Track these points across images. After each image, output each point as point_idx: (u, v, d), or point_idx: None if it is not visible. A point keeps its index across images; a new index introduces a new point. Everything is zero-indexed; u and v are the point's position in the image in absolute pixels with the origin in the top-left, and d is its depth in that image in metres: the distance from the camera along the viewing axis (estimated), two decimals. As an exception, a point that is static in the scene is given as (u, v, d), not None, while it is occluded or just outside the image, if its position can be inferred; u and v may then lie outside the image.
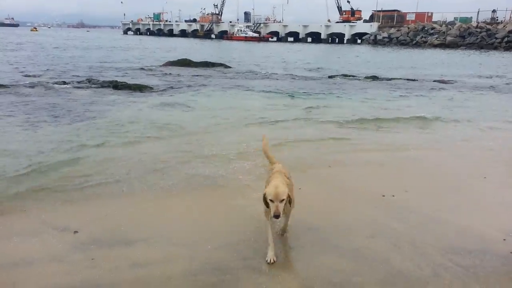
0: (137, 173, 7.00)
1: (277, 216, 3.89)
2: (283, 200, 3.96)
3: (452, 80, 24.73)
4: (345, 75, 26.39)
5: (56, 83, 18.21)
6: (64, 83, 18.31)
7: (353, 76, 26.20)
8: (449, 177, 7.12)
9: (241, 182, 6.69)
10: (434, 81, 24.29)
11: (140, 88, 17.51)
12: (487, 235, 4.91)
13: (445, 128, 11.34)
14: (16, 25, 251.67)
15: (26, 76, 20.44)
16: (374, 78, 25.28)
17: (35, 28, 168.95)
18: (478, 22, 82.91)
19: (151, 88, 17.88)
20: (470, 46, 75.24)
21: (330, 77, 25.67)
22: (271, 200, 3.95)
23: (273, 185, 4.04)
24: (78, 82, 18.69)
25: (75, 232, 4.91)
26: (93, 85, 18.03)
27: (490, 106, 15.78)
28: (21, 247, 4.56)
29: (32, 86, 17.10)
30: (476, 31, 77.73)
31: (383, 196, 6.13)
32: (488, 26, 78.37)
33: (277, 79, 23.99)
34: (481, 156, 8.61)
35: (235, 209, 5.67)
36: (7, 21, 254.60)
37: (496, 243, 4.73)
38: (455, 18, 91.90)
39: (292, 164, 7.57)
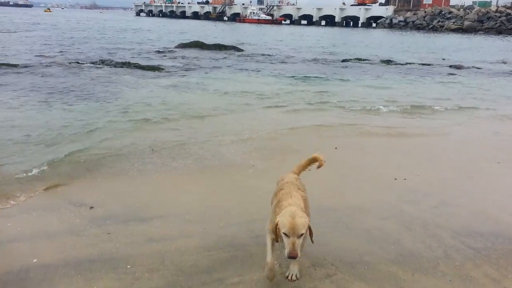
0: (149, 153, 7.09)
1: (293, 257, 3.00)
2: (302, 234, 3.03)
3: (469, 66, 24.25)
4: (358, 59, 26.07)
5: (70, 63, 18.36)
6: (78, 63, 18.45)
7: (367, 60, 25.87)
8: (463, 163, 7.07)
9: (251, 163, 6.75)
10: (450, 66, 23.86)
11: (152, 69, 17.61)
12: (501, 219, 4.90)
13: (458, 114, 11.19)
14: (30, 6, 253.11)
15: (41, 56, 20.64)
16: (388, 62, 24.93)
17: (49, 9, 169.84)
18: (497, 6, 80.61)
19: (163, 69, 17.95)
20: (488, 31, 73.31)
21: (343, 60, 25.39)
22: (285, 234, 3.04)
23: (288, 213, 3.08)
24: (92, 63, 18.82)
25: (91, 207, 5.03)
26: (106, 66, 18.14)
27: (506, 92, 15.49)
28: (40, 221, 4.70)
29: (47, 66, 17.29)
30: (496, 15, 75.62)
31: (395, 179, 6.13)
32: (508, 11, 76.14)
33: (289, 62, 23.81)
34: (495, 142, 8.50)
35: (245, 189, 5.74)
36: (21, 2, 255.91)
37: (509, 226, 4.72)
38: (474, 2, 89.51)
39: (300, 147, 7.60)
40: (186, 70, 18.24)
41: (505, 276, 3.73)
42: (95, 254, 4.04)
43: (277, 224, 3.12)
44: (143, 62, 19.57)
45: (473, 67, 24.00)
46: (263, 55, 27.29)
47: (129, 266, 3.84)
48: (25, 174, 5.93)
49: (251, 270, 3.78)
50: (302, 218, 3.03)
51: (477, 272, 3.79)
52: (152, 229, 4.57)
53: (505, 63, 27.36)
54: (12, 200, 5.18)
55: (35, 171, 6.07)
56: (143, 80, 15.08)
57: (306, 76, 17.79)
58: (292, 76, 17.67)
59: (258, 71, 19.13)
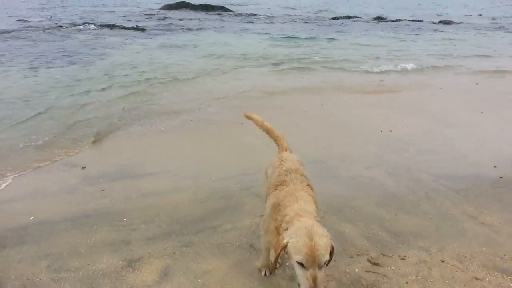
0: (139, 115, 7.13)
1: None
2: (325, 263, 2.08)
3: (458, 21, 24.06)
4: (349, 17, 25.67)
5: (53, 27, 17.85)
6: (61, 27, 17.95)
7: (357, 17, 25.49)
8: (448, 114, 7.22)
9: (239, 121, 6.79)
10: (440, 22, 23.67)
11: (137, 31, 17.25)
12: (480, 163, 5.11)
13: (443, 69, 11.30)
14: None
15: (23, 20, 19.99)
16: (378, 19, 24.63)
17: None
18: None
19: (149, 30, 17.57)
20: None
21: (333, 18, 24.99)
22: (300, 264, 2.08)
23: (304, 231, 2.11)
24: (76, 26, 18.33)
25: (83, 167, 5.11)
26: (91, 29, 17.71)
27: (494, 45, 15.53)
28: (34, 182, 4.77)
29: (31, 30, 16.79)
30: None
31: (381, 131, 6.27)
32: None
33: (278, 22, 23.38)
34: (479, 94, 8.67)
35: (235, 145, 5.86)
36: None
37: (487, 169, 4.94)
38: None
39: (287, 104, 7.67)
40: (173, 31, 17.88)
41: (481, 212, 3.96)
42: (91, 210, 4.17)
43: (285, 246, 2.15)
44: (128, 24, 19.10)
45: (463, 22, 23.85)
46: (252, 15, 26.71)
47: (125, 219, 3.98)
48: (21, 145, 5.87)
49: (243, 217, 3.95)
50: (323, 237, 2.08)
51: (456, 210, 4.02)
52: (145, 185, 4.68)
53: (499, 18, 27.16)
54: (6, 169, 5.16)
55: (24, 133, 6.09)
56: (128, 41, 14.83)
57: (294, 35, 17.57)
58: (279, 36, 17.45)
59: (245, 30, 18.82)
